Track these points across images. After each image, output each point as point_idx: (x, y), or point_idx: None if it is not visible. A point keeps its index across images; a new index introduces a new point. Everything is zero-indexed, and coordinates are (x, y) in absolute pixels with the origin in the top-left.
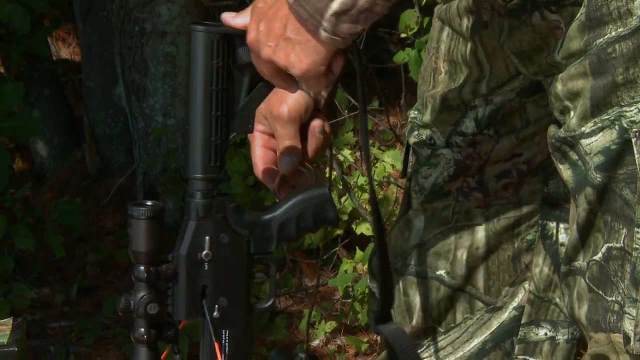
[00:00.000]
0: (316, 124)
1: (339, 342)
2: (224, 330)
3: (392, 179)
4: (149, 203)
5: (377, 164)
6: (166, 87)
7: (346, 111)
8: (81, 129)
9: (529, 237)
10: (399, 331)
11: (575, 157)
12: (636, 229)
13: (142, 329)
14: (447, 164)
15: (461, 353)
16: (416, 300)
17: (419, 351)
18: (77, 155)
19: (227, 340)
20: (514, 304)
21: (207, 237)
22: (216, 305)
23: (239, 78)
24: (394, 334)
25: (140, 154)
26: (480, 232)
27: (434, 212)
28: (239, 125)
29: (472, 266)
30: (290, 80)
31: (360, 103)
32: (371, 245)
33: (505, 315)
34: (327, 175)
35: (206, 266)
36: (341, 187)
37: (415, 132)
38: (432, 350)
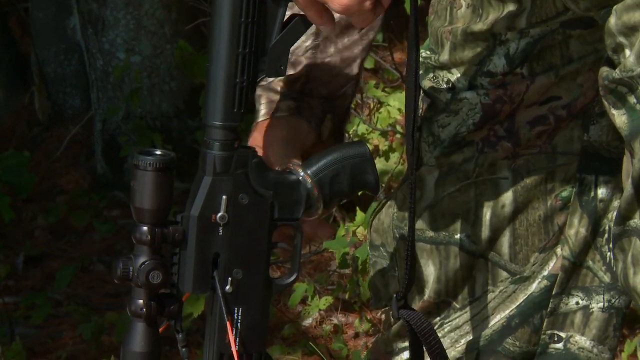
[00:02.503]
0: None
1: (335, 320)
2: (236, 308)
3: (398, 127)
4: (158, 152)
5: (382, 109)
6: (129, 18)
7: None
8: (28, 68)
9: (564, 193)
10: (421, 318)
11: (633, 100)
12: None
13: (141, 301)
14: (472, 110)
15: (482, 332)
16: (428, 270)
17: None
18: (24, 100)
19: (239, 320)
20: (544, 272)
21: (223, 197)
22: (229, 278)
23: (273, 10)
24: (417, 320)
25: (99, 98)
26: (507, 187)
27: (451, 167)
28: (269, 66)
29: (496, 228)
30: (325, 16)
31: (410, 42)
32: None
33: (534, 286)
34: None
35: (221, 231)
36: None
37: (431, 74)
38: (446, 329)
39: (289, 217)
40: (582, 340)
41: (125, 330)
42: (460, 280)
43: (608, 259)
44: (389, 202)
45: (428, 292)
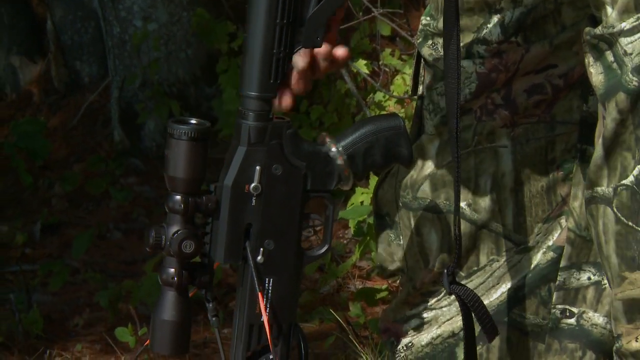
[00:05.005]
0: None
1: (352, 288)
2: (267, 279)
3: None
4: (193, 121)
5: (397, 77)
6: None
7: (360, 13)
8: (45, 35)
9: (566, 164)
10: (472, 293)
11: (611, 58)
12: None
13: (173, 270)
14: (469, 79)
15: (487, 301)
16: (432, 239)
17: (436, 299)
18: (41, 67)
19: (270, 291)
20: (549, 243)
21: (257, 167)
22: (261, 249)
23: None
24: (468, 295)
25: (116, 66)
26: (506, 156)
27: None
28: (306, 38)
29: (499, 198)
30: None
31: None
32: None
33: (539, 257)
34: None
35: (254, 201)
36: (355, 103)
37: (429, 42)
38: (451, 298)
39: (321, 188)
40: (595, 317)
41: (156, 299)
42: (464, 249)
43: None
44: (392, 172)
45: (432, 261)
